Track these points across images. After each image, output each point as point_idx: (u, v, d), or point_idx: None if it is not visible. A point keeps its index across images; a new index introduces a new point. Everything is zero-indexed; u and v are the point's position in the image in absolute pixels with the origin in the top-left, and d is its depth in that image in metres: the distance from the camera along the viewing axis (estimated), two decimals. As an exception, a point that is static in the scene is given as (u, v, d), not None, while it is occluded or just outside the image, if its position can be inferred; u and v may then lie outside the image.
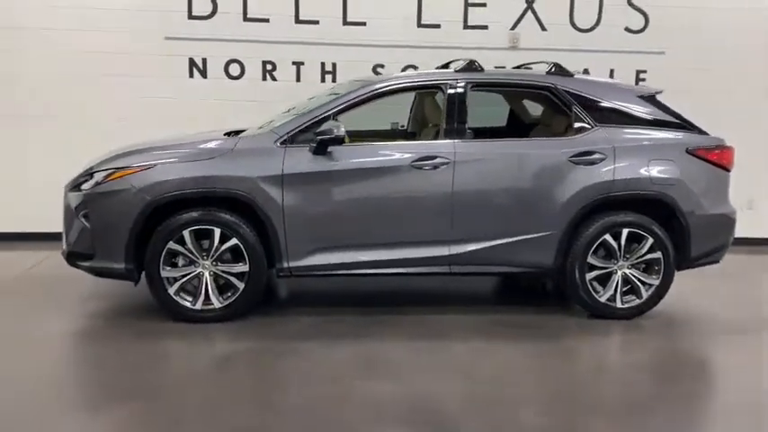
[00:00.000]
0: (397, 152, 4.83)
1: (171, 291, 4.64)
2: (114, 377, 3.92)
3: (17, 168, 7.08)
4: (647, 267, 5.02)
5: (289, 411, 3.52)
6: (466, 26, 7.33)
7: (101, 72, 6.99)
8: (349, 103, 4.83)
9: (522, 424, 3.45)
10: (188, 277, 4.67)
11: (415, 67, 7.13)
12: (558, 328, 4.85)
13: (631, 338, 4.78)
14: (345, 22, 7.20)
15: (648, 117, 5.08)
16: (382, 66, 7.23)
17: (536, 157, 4.89)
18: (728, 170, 5.10)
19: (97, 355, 4.28)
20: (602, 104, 5.03)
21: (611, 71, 7.45)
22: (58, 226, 4.97)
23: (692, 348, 4.77)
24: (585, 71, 7.27)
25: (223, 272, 4.68)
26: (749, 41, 7.54)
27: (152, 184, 4.54)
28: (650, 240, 4.90)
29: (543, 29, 7.39)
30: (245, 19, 7.13)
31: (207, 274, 4.67)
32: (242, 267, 4.66)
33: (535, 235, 4.85)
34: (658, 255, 4.93)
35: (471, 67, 5.08)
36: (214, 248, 4.63)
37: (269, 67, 7.23)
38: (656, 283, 4.97)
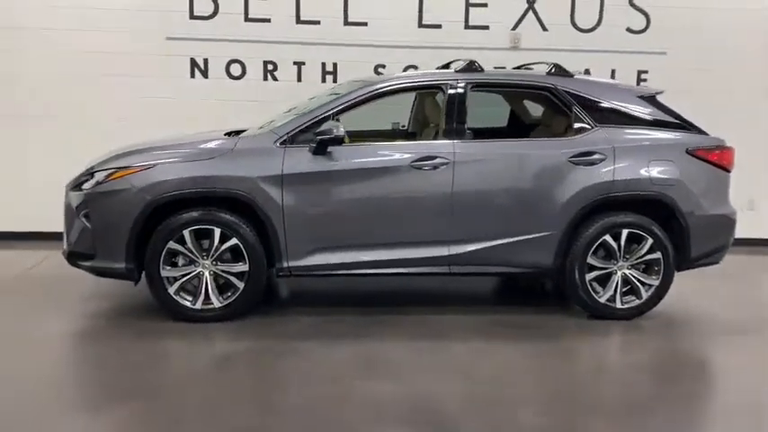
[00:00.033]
0: (397, 152, 4.84)
1: (171, 290, 4.65)
2: (115, 377, 3.92)
3: (18, 168, 7.09)
4: (647, 268, 5.02)
5: (288, 411, 3.52)
6: (467, 26, 7.33)
7: (101, 72, 7.00)
8: (349, 103, 4.83)
9: (521, 424, 3.45)
10: (188, 277, 4.68)
11: (415, 68, 7.13)
12: (558, 329, 4.85)
13: (631, 339, 4.78)
14: (346, 23, 7.21)
15: (648, 117, 5.08)
16: (383, 66, 7.23)
17: (536, 158, 4.90)
18: (728, 171, 5.10)
19: (98, 355, 4.29)
20: (602, 105, 5.03)
21: (613, 71, 7.45)
22: (58, 225, 4.98)
23: (692, 349, 4.77)
24: (587, 71, 7.27)
25: (223, 271, 4.69)
26: (750, 42, 7.53)
27: (152, 183, 4.55)
28: (650, 241, 4.90)
29: (544, 29, 7.39)
30: (247, 19, 7.14)
31: (207, 273, 4.68)
32: (242, 267, 4.66)
33: (535, 235, 4.85)
34: (658, 255, 4.93)
35: (471, 67, 5.08)
36: (214, 248, 4.64)
37: (270, 67, 7.24)
38: (656, 283, 4.97)
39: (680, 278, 5.12)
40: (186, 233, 4.60)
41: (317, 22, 7.17)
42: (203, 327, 4.63)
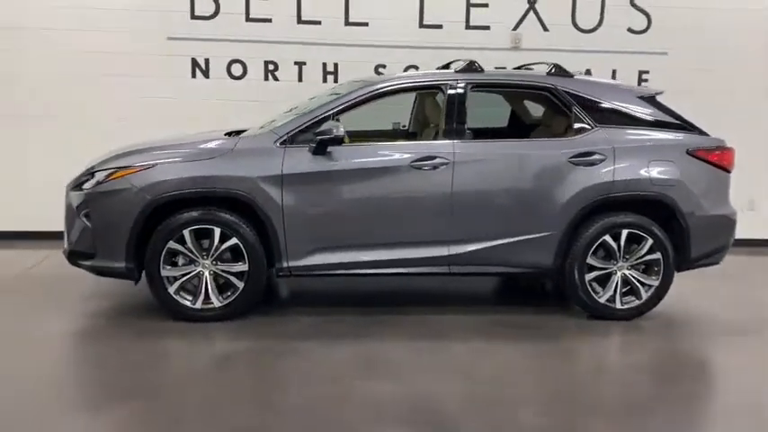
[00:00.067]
0: (397, 152, 4.84)
1: (171, 290, 4.66)
2: (115, 376, 3.93)
3: (18, 168, 7.10)
4: (647, 268, 5.02)
5: (288, 411, 3.53)
6: (468, 27, 7.33)
7: (102, 72, 7.01)
8: (349, 103, 4.84)
9: (521, 424, 3.45)
10: (188, 276, 4.68)
11: (416, 68, 7.15)
12: (558, 329, 4.85)
13: (631, 339, 4.78)
14: (347, 23, 7.22)
15: (649, 118, 5.08)
16: (384, 66, 7.24)
17: (535, 158, 4.90)
18: (729, 171, 5.09)
19: (98, 354, 4.30)
20: (602, 105, 5.03)
21: (614, 72, 7.45)
22: (59, 225, 4.98)
23: (692, 349, 4.76)
24: (588, 72, 7.27)
25: (223, 271, 4.70)
26: (752, 42, 7.53)
27: (153, 183, 4.56)
28: (650, 241, 4.90)
29: (545, 29, 7.39)
30: (248, 19, 7.15)
31: (207, 273, 4.68)
32: (242, 267, 4.67)
33: (535, 235, 4.85)
34: (658, 256, 4.92)
35: (471, 67, 5.08)
36: (214, 248, 4.64)
37: (271, 67, 7.25)
38: (656, 284, 4.96)
39: (680, 278, 5.12)
40: (186, 233, 4.60)
41: (318, 23, 7.18)
42: (203, 326, 4.64)
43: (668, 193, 4.91)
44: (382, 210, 4.75)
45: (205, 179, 4.60)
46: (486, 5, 7.29)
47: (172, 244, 4.61)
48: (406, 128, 6.30)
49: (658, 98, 5.21)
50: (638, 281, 4.96)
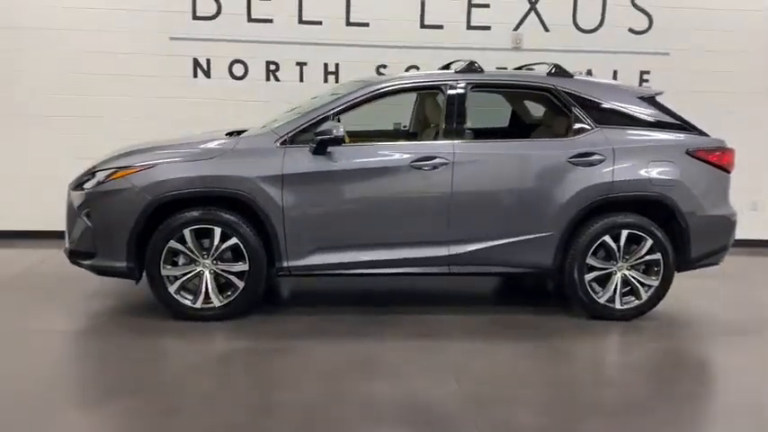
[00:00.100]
0: (397, 152, 4.85)
1: (171, 289, 4.68)
2: (115, 374, 3.96)
3: (20, 167, 7.13)
4: (647, 268, 5.02)
5: (287, 410, 3.53)
6: (469, 27, 7.34)
7: (104, 72, 7.04)
8: (349, 103, 4.85)
9: (520, 424, 3.46)
10: (188, 276, 4.71)
11: (417, 68, 7.16)
12: (558, 329, 4.85)
13: (630, 340, 4.78)
14: (348, 23, 7.23)
15: (649, 118, 5.08)
16: (385, 66, 7.25)
17: (535, 158, 4.90)
18: (729, 172, 5.09)
19: (99, 352, 4.33)
20: (602, 105, 5.03)
21: (615, 72, 7.45)
22: (61, 224, 5.00)
23: (692, 349, 4.76)
24: (589, 72, 7.26)
25: (223, 271, 4.71)
26: (754, 42, 7.52)
27: (153, 183, 4.58)
28: (650, 242, 4.90)
29: (546, 30, 7.39)
30: (249, 19, 7.16)
31: (207, 272, 4.70)
32: (242, 266, 4.68)
33: (534, 236, 4.86)
34: (658, 256, 4.92)
35: (471, 68, 5.09)
36: (214, 247, 4.66)
37: (272, 67, 7.26)
38: (656, 284, 4.97)
39: (680, 279, 5.11)
40: (187, 232, 4.62)
41: (320, 23, 7.19)
42: (203, 325, 4.66)
43: (668, 194, 4.91)
44: (382, 210, 4.76)
45: (206, 179, 4.62)
46: (487, 6, 7.30)
47: (172, 243, 4.63)
48: (407, 128, 6.31)
49: (658, 98, 5.21)
50: (638, 281, 4.96)
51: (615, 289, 4.96)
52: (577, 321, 5.02)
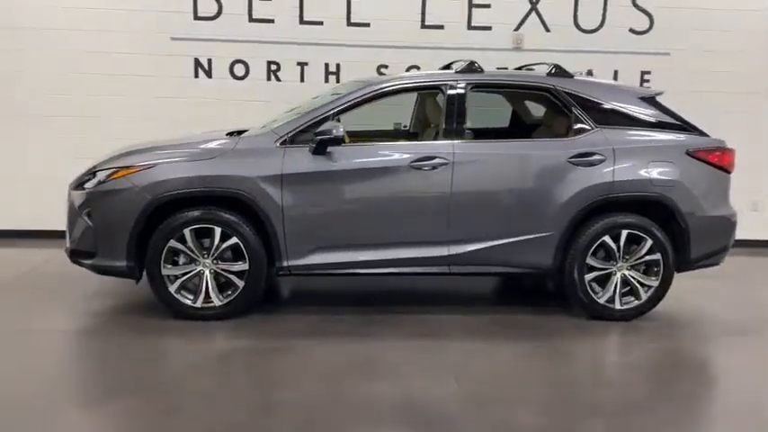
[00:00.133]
0: (396, 152, 4.85)
1: (172, 289, 4.69)
2: (115, 373, 3.97)
3: (21, 167, 7.15)
4: (647, 269, 5.02)
5: (287, 409, 3.54)
6: (470, 27, 7.34)
7: (104, 72, 7.06)
8: (349, 103, 4.86)
9: (520, 424, 3.46)
10: (189, 275, 4.72)
11: (418, 68, 7.16)
12: (558, 329, 4.86)
13: (630, 340, 4.78)
14: (349, 23, 7.23)
15: (649, 118, 5.08)
16: (386, 66, 7.26)
17: (535, 158, 4.91)
18: (729, 172, 5.08)
19: (99, 351, 4.34)
20: (602, 106, 5.03)
21: (616, 72, 7.45)
22: (62, 224, 5.01)
23: (692, 350, 4.76)
24: (590, 72, 7.25)
25: (223, 270, 4.72)
26: (755, 42, 7.52)
27: (154, 183, 4.59)
28: (649, 242, 4.90)
29: (547, 30, 7.39)
30: (251, 20, 7.17)
31: (207, 272, 4.71)
32: (242, 266, 4.69)
33: (534, 236, 4.86)
34: (657, 256, 4.92)
35: (471, 68, 5.09)
36: (214, 247, 4.67)
37: (273, 67, 7.27)
38: (656, 284, 4.97)
39: (680, 279, 5.11)
40: (187, 232, 4.64)
41: (321, 23, 7.20)
42: (203, 325, 4.67)
43: (668, 194, 4.91)
44: (382, 210, 4.77)
45: (206, 179, 4.63)
46: (488, 6, 7.30)
47: (173, 243, 4.64)
48: (407, 128, 6.31)
49: (658, 99, 5.21)
50: (638, 281, 4.96)
51: (615, 289, 4.96)
52: (577, 321, 5.02)
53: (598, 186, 4.86)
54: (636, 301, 5.00)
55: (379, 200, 4.76)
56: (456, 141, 4.85)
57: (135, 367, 4.01)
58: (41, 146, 7.12)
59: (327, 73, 7.29)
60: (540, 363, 4.31)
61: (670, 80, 7.21)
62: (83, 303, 5.16)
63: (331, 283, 5.77)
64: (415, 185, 4.78)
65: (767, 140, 7.62)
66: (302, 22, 7.20)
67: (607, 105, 5.04)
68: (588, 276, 4.93)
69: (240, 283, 4.72)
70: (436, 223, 4.81)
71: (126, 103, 7.11)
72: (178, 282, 4.70)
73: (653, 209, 4.99)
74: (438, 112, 5.16)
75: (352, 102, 4.86)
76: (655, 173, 4.91)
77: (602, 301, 4.97)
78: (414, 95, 6.10)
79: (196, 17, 7.12)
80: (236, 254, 4.71)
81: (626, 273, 4.96)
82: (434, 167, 4.77)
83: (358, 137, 5.39)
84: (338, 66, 7.28)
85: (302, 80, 7.28)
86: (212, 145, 4.82)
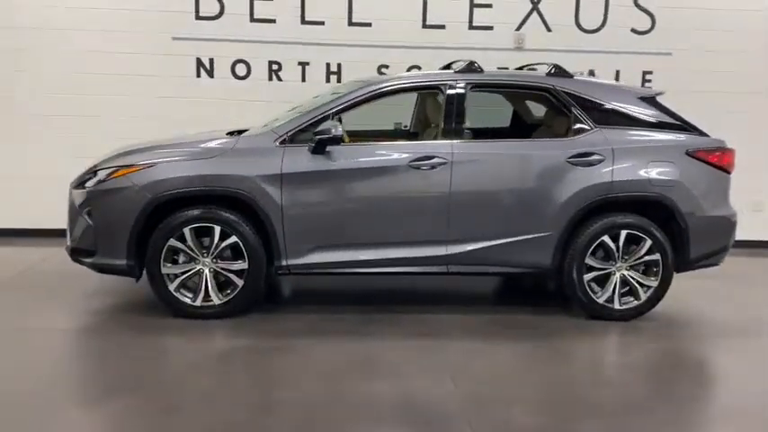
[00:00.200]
0: (395, 152, 4.86)
1: (171, 287, 4.70)
2: (115, 372, 3.98)
3: (22, 166, 7.16)
4: (646, 269, 5.01)
5: (287, 408, 3.54)
6: (471, 27, 7.34)
7: (106, 72, 7.08)
8: (348, 103, 4.86)
9: (519, 424, 3.46)
10: (188, 274, 4.73)
11: (419, 68, 7.17)
12: (557, 329, 4.86)
13: (629, 340, 4.77)
14: (351, 23, 7.25)
15: (648, 119, 5.07)
16: (387, 66, 7.27)
17: (534, 158, 4.91)
18: (729, 172, 5.07)
19: (99, 349, 4.35)
20: (602, 106, 5.03)
21: (617, 72, 7.45)
22: (63, 223, 5.03)
23: (691, 350, 4.75)
24: (591, 72, 7.26)
25: (223, 269, 4.74)
26: (757, 43, 7.51)
27: (154, 182, 4.60)
28: (649, 242, 4.90)
29: (548, 30, 7.39)
30: (252, 20, 7.19)
31: (207, 271, 4.72)
32: (241, 265, 4.71)
33: (533, 235, 4.86)
34: (657, 256, 4.92)
35: (471, 68, 5.09)
36: (214, 246, 4.68)
37: (275, 67, 7.29)
38: (655, 284, 4.96)
39: (679, 279, 5.11)
40: (187, 231, 4.65)
41: (322, 23, 7.22)
42: (203, 324, 4.68)
43: (667, 194, 4.90)
44: (381, 209, 4.78)
45: (205, 178, 4.64)
46: (489, 6, 7.30)
47: (172, 242, 4.65)
48: (408, 128, 6.32)
49: (659, 99, 5.20)
50: (637, 281, 4.96)
51: (614, 289, 4.96)
52: (576, 321, 5.02)
53: (597, 186, 4.85)
54: (635, 302, 5.00)
55: (378, 199, 4.77)
56: (455, 141, 4.86)
57: (135, 366, 4.03)
58: (42, 145, 7.14)
59: (329, 73, 7.31)
60: (540, 363, 4.31)
61: (672, 80, 7.21)
62: (82, 302, 5.17)
63: (331, 283, 5.78)
64: (414, 185, 4.78)
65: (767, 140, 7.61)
66: (304, 22, 7.21)
67: (607, 105, 5.04)
68: (587, 276, 4.93)
69: (239, 282, 4.73)
70: (435, 223, 4.81)
71: (128, 103, 7.13)
72: (178, 280, 4.71)
73: (652, 209, 4.99)
74: (438, 111, 5.16)
75: (352, 101, 4.87)
76: (654, 173, 4.91)
77: (601, 300, 4.96)
78: (414, 95, 6.10)
79: (198, 17, 7.14)
80: (235, 253, 4.72)
81: (625, 273, 4.96)
82: (433, 167, 4.77)
83: (359, 136, 5.40)
84: (339, 66, 7.30)
85: (303, 80, 7.30)
86: (212, 144, 4.84)
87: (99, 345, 4.41)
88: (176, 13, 7.11)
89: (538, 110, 5.97)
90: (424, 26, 7.29)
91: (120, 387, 3.72)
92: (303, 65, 7.28)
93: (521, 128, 5.98)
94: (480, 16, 7.32)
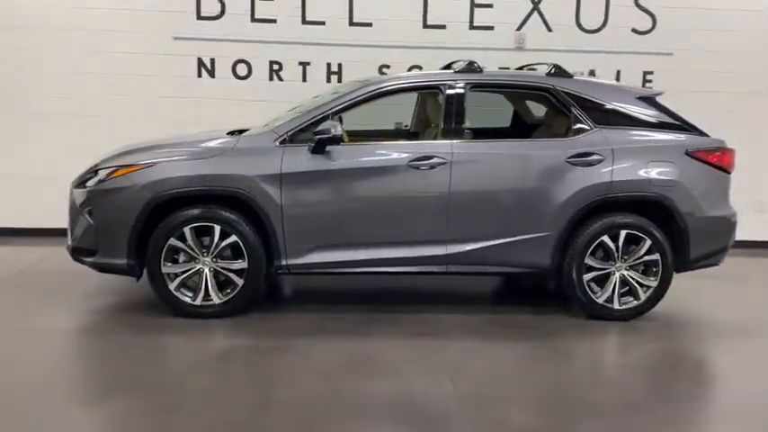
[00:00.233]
0: (395, 152, 4.87)
1: (172, 287, 4.71)
2: (116, 371, 3.98)
3: (22, 166, 7.17)
4: (646, 269, 5.01)
5: (287, 408, 3.55)
6: (472, 27, 7.34)
7: (108, 72, 7.09)
8: (348, 103, 4.87)
9: (518, 424, 3.46)
10: (188, 273, 4.74)
11: (420, 68, 7.17)
12: (557, 329, 4.86)
13: (629, 340, 4.77)
14: (351, 23, 7.25)
15: (648, 119, 5.07)
16: (388, 66, 7.27)
17: (533, 158, 4.91)
18: (729, 172, 5.07)
19: (99, 349, 4.36)
20: (602, 106, 5.03)
21: (618, 72, 7.45)
22: (61, 222, 5.04)
23: (690, 350, 4.76)
24: (592, 72, 7.26)
25: (223, 268, 4.74)
26: (757, 43, 7.50)
27: (154, 181, 4.61)
28: (648, 242, 4.90)
29: (549, 30, 7.39)
30: (253, 19, 7.20)
31: (207, 270, 4.73)
32: (241, 264, 4.71)
33: (533, 235, 4.86)
34: (656, 257, 4.92)
35: (471, 67, 5.10)
36: (214, 245, 4.69)
37: (276, 67, 7.30)
38: (654, 284, 4.96)
39: (679, 279, 5.11)
40: (187, 230, 4.66)
41: (323, 23, 7.22)
42: (203, 323, 4.69)
43: (667, 194, 4.90)
44: (380, 209, 4.78)
45: (205, 177, 4.65)
46: (490, 6, 7.30)
47: (173, 241, 4.66)
48: (408, 128, 6.32)
49: (658, 99, 5.20)
50: (637, 281, 4.96)
51: (614, 289, 4.96)
52: (576, 321, 5.02)
53: (597, 186, 4.86)
54: (635, 302, 5.00)
55: (378, 199, 4.77)
56: (454, 141, 4.86)
57: (135, 365, 4.03)
58: (42, 145, 7.15)
59: (329, 73, 7.31)
60: (540, 363, 4.32)
61: (672, 80, 7.21)
62: (82, 301, 5.18)
63: (330, 282, 5.79)
64: (414, 185, 4.79)
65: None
66: (304, 22, 7.22)
67: (606, 105, 5.04)
68: (587, 276, 4.93)
69: (239, 282, 4.74)
70: (434, 223, 4.82)
71: (128, 103, 7.13)
72: (178, 280, 4.72)
73: (652, 209, 4.99)
74: (438, 111, 5.16)
75: (352, 101, 4.88)
76: (654, 173, 4.91)
77: (600, 301, 4.96)
78: (415, 95, 6.10)
79: (199, 17, 7.15)
80: (235, 252, 4.73)
81: (625, 273, 4.96)
82: (432, 167, 4.77)
83: (359, 136, 5.40)
84: (340, 66, 7.30)
85: (304, 80, 7.31)
86: (212, 144, 4.85)
87: (99, 344, 4.42)
88: (177, 13, 7.12)
89: (538, 110, 5.97)
90: (425, 26, 7.29)
91: (121, 386, 3.73)
92: (304, 65, 7.29)
93: (520, 128, 5.98)
94: (481, 16, 7.32)
